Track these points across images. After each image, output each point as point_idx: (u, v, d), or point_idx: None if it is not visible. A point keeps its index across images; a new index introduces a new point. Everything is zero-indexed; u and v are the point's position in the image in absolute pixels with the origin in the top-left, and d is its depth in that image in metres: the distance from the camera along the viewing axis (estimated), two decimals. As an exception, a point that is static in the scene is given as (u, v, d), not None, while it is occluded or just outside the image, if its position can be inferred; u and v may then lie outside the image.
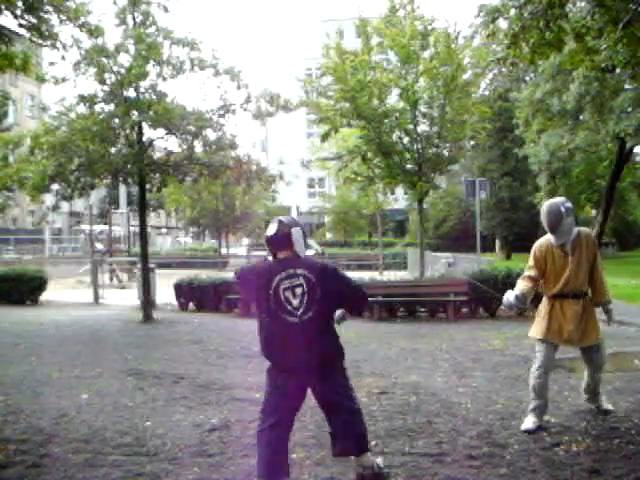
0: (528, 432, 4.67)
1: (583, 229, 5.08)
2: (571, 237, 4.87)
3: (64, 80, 11.13)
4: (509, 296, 4.92)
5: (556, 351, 5.04)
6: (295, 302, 3.63)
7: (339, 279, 3.81)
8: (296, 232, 3.75)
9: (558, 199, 5.00)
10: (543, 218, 4.88)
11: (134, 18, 11.26)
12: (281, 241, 3.72)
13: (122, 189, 32.84)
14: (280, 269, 3.68)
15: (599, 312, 5.09)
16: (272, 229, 3.76)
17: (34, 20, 8.06)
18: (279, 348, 3.72)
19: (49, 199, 13.35)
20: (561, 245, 4.88)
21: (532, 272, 4.98)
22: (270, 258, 3.83)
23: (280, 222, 3.77)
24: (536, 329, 5.01)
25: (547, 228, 4.88)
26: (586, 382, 5.22)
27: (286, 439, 3.72)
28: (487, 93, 34.69)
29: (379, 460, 3.94)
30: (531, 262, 5.00)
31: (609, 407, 5.22)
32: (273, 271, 3.70)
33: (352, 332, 8.72)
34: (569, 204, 4.89)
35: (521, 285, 4.98)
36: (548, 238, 4.96)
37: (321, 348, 3.70)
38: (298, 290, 3.63)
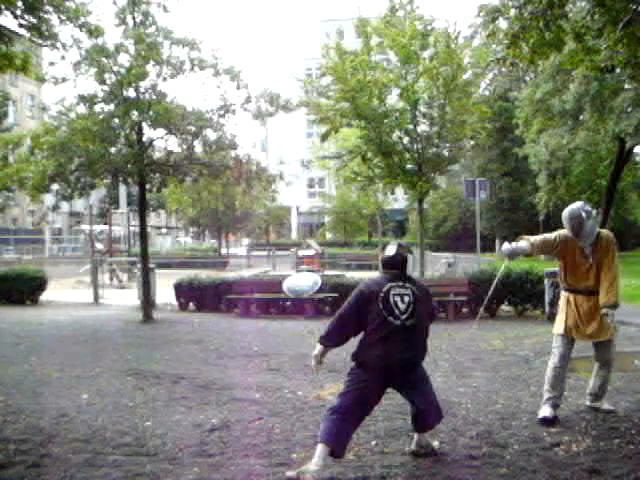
0: (546, 420, 4.84)
1: (604, 231, 5.23)
2: (592, 239, 5.04)
3: (64, 80, 11.13)
4: (506, 245, 5.30)
5: (573, 345, 5.22)
6: (402, 307, 4.08)
7: (431, 300, 4.44)
8: (410, 257, 4.48)
9: (577, 204, 5.12)
10: (566, 224, 5.03)
11: (134, 18, 11.26)
12: (399, 263, 4.28)
13: (122, 189, 32.82)
14: (393, 279, 4.20)
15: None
16: (392, 251, 4.31)
17: (34, 20, 8.04)
18: (377, 346, 4.03)
19: (49, 199, 13.37)
20: (582, 246, 5.06)
21: (552, 238, 5.14)
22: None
23: (400, 246, 4.37)
24: (556, 324, 5.25)
25: (571, 233, 5.03)
26: (594, 381, 5.27)
27: (355, 428, 4.11)
28: (487, 93, 34.69)
29: (435, 443, 4.39)
30: (555, 235, 5.15)
31: (610, 407, 5.24)
32: (387, 279, 4.20)
33: (352, 332, 8.71)
34: (588, 207, 5.07)
35: (533, 237, 5.24)
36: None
37: (414, 353, 4.16)
38: (406, 298, 4.11)
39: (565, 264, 5.19)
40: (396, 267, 4.26)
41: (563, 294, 5.29)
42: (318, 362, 4.24)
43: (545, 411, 4.96)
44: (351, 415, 4.00)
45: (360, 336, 4.16)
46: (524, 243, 5.19)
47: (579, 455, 4.22)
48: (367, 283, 4.26)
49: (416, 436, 4.31)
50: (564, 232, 5.15)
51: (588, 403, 5.34)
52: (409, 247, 4.58)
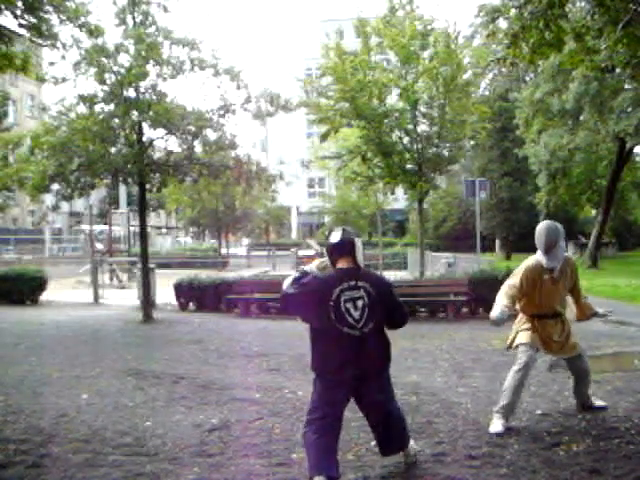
0: (498, 435, 4.59)
1: (568, 255, 5.16)
2: (560, 263, 4.88)
3: (64, 80, 11.13)
4: (495, 312, 4.75)
5: (536, 359, 5.06)
6: (356, 314, 3.68)
7: (392, 295, 3.91)
8: (359, 242, 3.85)
9: (552, 221, 4.97)
10: (539, 237, 4.82)
11: (134, 18, 11.25)
12: (345, 248, 3.80)
13: (122, 189, 32.81)
14: (341, 280, 3.73)
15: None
16: (336, 236, 3.83)
17: (34, 20, 8.05)
18: (337, 360, 3.72)
19: (49, 199, 13.37)
20: (550, 269, 4.87)
21: (517, 283, 4.91)
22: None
23: (345, 231, 3.88)
24: (520, 337, 4.99)
25: (543, 248, 4.82)
26: (575, 389, 5.24)
27: (334, 440, 3.78)
28: (487, 93, 34.69)
29: (412, 443, 4.12)
30: (521, 276, 4.92)
31: (602, 404, 5.25)
32: (334, 282, 3.73)
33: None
34: (561, 228, 4.90)
35: (504, 299, 4.85)
36: (538, 260, 4.90)
37: (377, 359, 3.83)
38: (359, 302, 3.69)
39: (531, 294, 4.94)
40: (344, 255, 3.79)
41: (523, 319, 5.07)
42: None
43: (497, 425, 4.70)
44: (325, 430, 3.73)
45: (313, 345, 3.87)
46: (504, 310, 4.76)
47: (579, 455, 4.22)
48: (314, 282, 3.78)
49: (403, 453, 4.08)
50: (527, 263, 4.95)
51: (577, 407, 5.29)
52: (357, 231, 4.08)
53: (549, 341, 4.99)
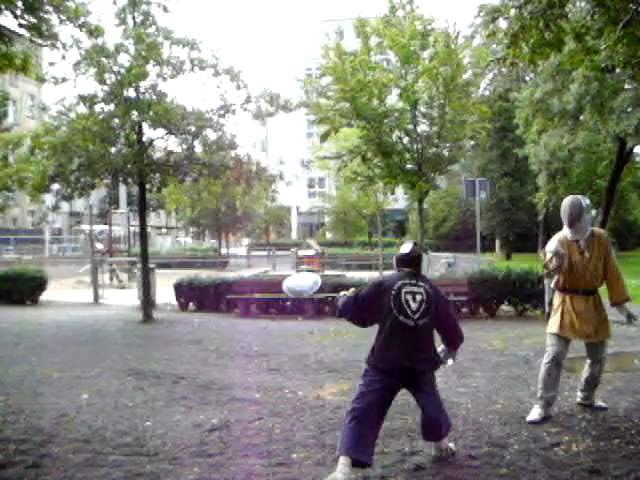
0: (534, 423, 4.80)
1: (597, 229, 5.24)
2: (586, 235, 5.03)
3: (64, 80, 11.12)
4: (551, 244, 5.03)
5: (568, 345, 5.17)
6: (414, 306, 4.01)
7: (448, 306, 4.33)
8: (425, 257, 4.52)
9: (579, 195, 5.15)
10: (564, 212, 5.02)
11: (134, 18, 11.25)
12: (412, 261, 4.23)
13: (122, 189, 32.81)
14: (405, 277, 4.14)
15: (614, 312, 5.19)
16: (407, 248, 4.27)
17: (34, 20, 8.05)
18: (390, 348, 3.99)
19: (49, 199, 13.35)
20: (576, 241, 5.02)
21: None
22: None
23: (415, 244, 4.34)
24: (550, 324, 5.19)
25: (567, 221, 5.01)
26: (585, 378, 5.28)
27: (376, 431, 3.97)
28: (487, 93, 34.71)
29: (451, 445, 4.28)
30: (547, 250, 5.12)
31: (603, 404, 5.28)
32: (399, 277, 4.15)
33: (352, 332, 8.72)
34: (588, 201, 5.07)
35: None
36: (564, 233, 5.10)
37: (425, 355, 4.08)
38: (418, 297, 4.04)
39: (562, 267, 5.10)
40: (410, 264, 4.20)
41: (558, 294, 5.24)
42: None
43: (534, 414, 4.94)
44: (368, 419, 3.90)
45: (373, 339, 4.12)
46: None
47: (579, 455, 4.23)
48: (381, 278, 4.30)
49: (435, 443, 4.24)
50: (557, 237, 5.13)
51: (579, 400, 5.35)
52: (425, 247, 4.64)
53: (581, 324, 4.99)
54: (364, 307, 4.12)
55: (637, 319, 5.17)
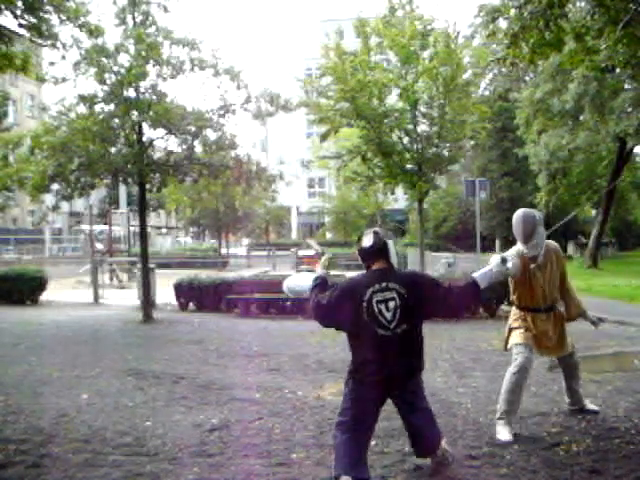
0: (508, 442, 4.47)
1: (549, 242, 4.98)
2: (542, 250, 4.81)
3: (64, 80, 11.12)
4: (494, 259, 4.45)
5: (533, 358, 4.89)
6: (388, 315, 3.69)
7: (432, 287, 3.86)
8: (391, 244, 3.86)
9: (529, 209, 4.93)
10: (516, 227, 4.77)
11: (134, 18, 11.26)
12: (378, 252, 3.82)
13: (122, 189, 32.81)
14: (374, 282, 3.75)
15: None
16: (369, 240, 3.83)
17: (34, 20, 8.04)
18: (370, 360, 3.74)
19: (49, 199, 13.35)
20: (533, 257, 4.80)
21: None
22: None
23: (376, 233, 3.86)
24: (513, 337, 4.89)
25: (521, 237, 4.76)
26: (566, 386, 5.21)
27: (367, 443, 3.80)
28: (487, 93, 34.71)
29: (442, 443, 4.04)
30: None
31: (594, 407, 5.21)
32: (366, 283, 3.77)
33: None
34: (540, 214, 4.87)
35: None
36: (520, 249, 4.83)
37: (409, 361, 3.81)
38: (391, 304, 3.70)
39: (518, 283, 4.90)
40: (376, 258, 3.83)
41: (517, 312, 4.99)
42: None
43: (504, 432, 4.58)
44: (356, 432, 3.74)
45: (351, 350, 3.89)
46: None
47: (579, 455, 4.22)
48: (348, 284, 3.88)
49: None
50: (512, 250, 4.87)
51: (568, 406, 5.24)
52: (387, 231, 4.03)
53: (543, 339, 4.84)
54: (337, 318, 3.82)
55: (604, 321, 5.10)
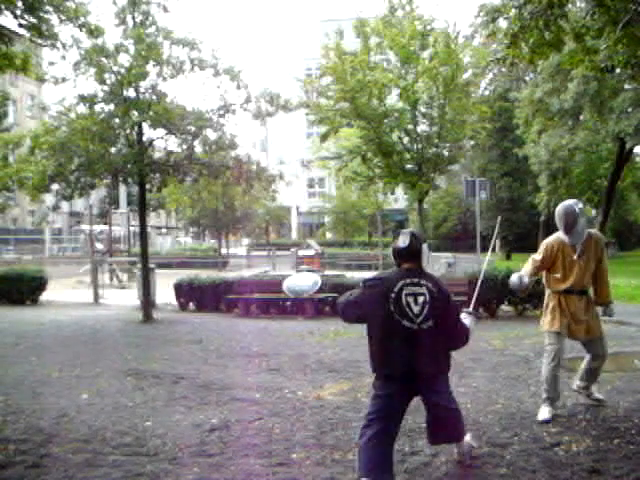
0: (546, 422, 4.84)
1: (593, 231, 5.29)
2: (583, 239, 5.09)
3: (64, 80, 11.13)
4: (514, 278, 5.28)
5: (564, 343, 5.22)
6: (416, 309, 3.71)
7: (450, 306, 3.89)
8: (425, 247, 3.93)
9: (572, 200, 5.20)
10: (559, 219, 5.08)
11: (134, 18, 11.25)
12: (412, 254, 3.87)
13: (122, 189, 32.81)
14: (405, 276, 3.81)
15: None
16: (405, 241, 3.87)
17: (34, 20, 8.04)
18: (394, 354, 3.72)
19: (49, 199, 13.36)
20: (573, 246, 5.09)
21: (540, 257, 5.22)
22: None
23: (413, 235, 3.91)
24: (546, 323, 5.22)
25: (562, 228, 5.08)
26: (585, 369, 5.29)
27: (392, 444, 3.76)
28: (487, 93, 34.71)
29: (467, 438, 4.12)
30: (542, 252, 5.22)
31: (600, 396, 5.34)
32: (397, 277, 3.81)
33: (352, 332, 8.72)
34: (581, 205, 5.14)
35: (528, 267, 5.28)
36: (560, 236, 5.15)
37: (433, 358, 3.77)
38: (420, 298, 3.72)
39: (556, 269, 5.18)
40: (409, 259, 3.87)
41: (551, 294, 5.27)
42: None
43: (544, 413, 4.97)
44: (382, 433, 3.67)
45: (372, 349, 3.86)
46: (522, 275, 5.28)
47: (579, 455, 4.22)
48: (376, 277, 3.94)
49: (456, 445, 4.09)
50: (549, 240, 5.23)
51: (575, 388, 5.38)
52: (424, 236, 4.11)
53: (575, 322, 5.09)
54: (364, 308, 3.84)
55: (611, 316, 5.41)
